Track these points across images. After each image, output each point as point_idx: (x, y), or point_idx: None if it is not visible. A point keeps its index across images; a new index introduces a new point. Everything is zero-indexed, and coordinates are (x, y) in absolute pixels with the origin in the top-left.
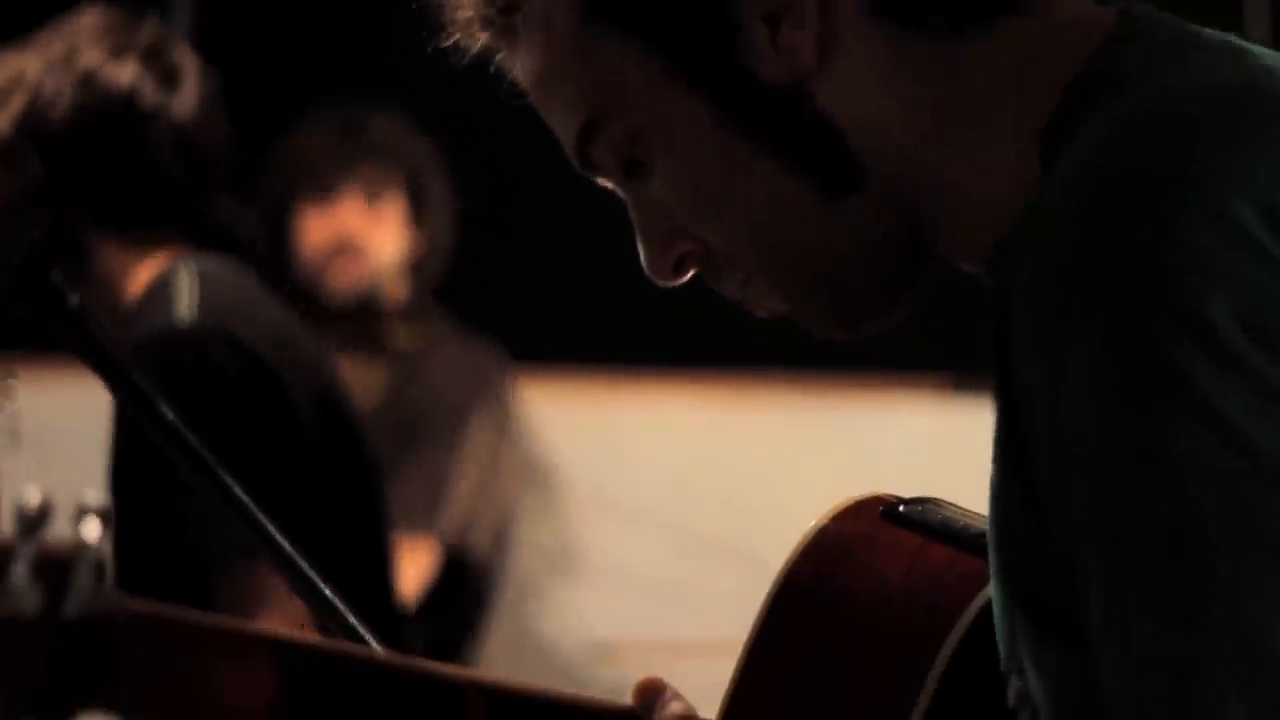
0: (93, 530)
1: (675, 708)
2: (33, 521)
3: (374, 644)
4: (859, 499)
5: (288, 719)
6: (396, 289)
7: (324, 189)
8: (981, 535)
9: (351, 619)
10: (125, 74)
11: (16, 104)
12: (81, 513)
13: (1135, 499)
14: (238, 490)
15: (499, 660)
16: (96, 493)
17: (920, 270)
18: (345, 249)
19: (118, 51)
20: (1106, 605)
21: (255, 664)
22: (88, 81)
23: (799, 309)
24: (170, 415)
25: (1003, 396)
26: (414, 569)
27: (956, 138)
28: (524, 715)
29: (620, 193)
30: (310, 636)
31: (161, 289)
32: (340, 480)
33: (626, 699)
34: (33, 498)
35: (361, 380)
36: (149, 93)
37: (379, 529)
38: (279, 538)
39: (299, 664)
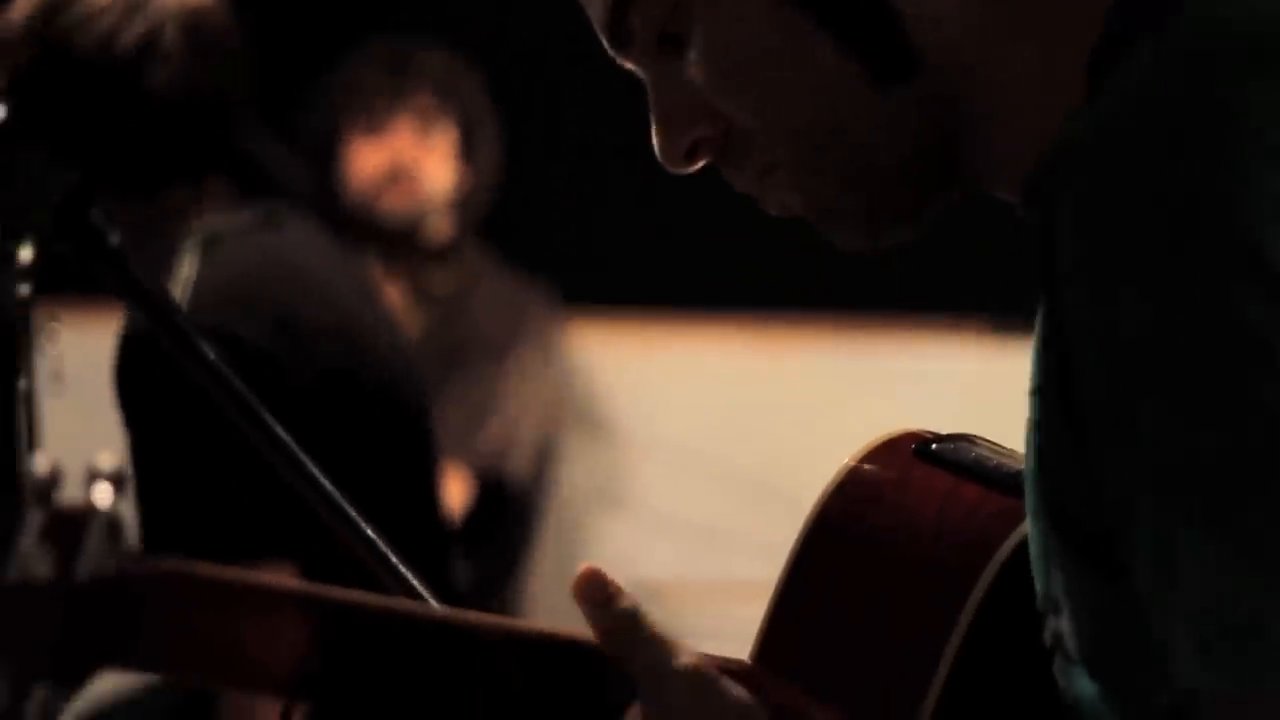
0: (105, 493)
1: (625, 603)
2: (43, 486)
3: (426, 596)
4: (891, 436)
5: (309, 672)
6: (443, 223)
7: (376, 118)
8: (1016, 474)
9: (401, 569)
10: (96, 30)
11: (30, 18)
12: (94, 476)
13: (1193, 435)
14: (282, 434)
15: (542, 600)
16: (110, 455)
17: (948, 187)
18: (399, 176)
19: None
20: (1158, 539)
21: (275, 619)
22: (62, 43)
23: (819, 208)
24: (212, 356)
25: (1047, 324)
26: (448, 496)
27: (1009, 45)
28: (557, 663)
29: (643, 72)
30: (329, 589)
31: (169, 268)
32: (377, 450)
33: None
34: (41, 464)
35: (404, 316)
36: (123, 51)
37: (421, 489)
38: (325, 484)
39: (319, 617)
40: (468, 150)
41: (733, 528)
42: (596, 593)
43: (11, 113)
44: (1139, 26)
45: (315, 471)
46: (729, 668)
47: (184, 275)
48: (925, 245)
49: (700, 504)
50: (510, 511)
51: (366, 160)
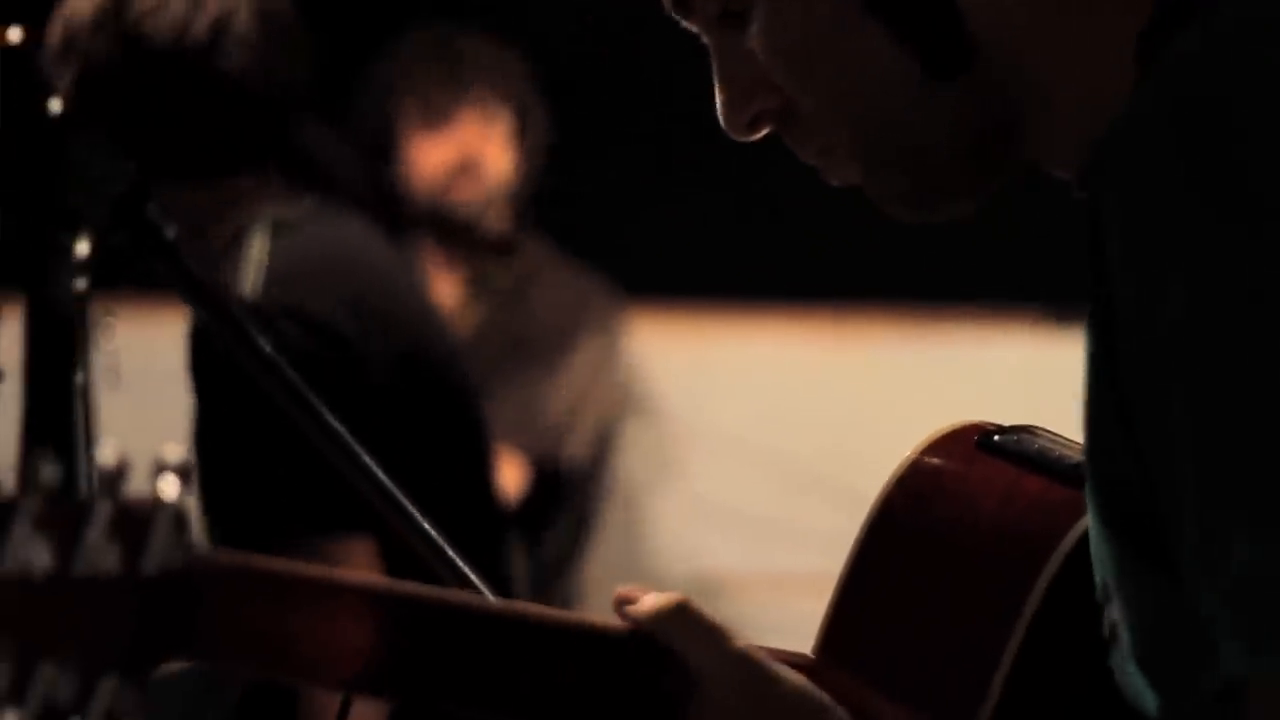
0: (171, 486)
1: (649, 600)
2: (110, 478)
3: (479, 584)
4: (953, 429)
5: (375, 666)
6: (502, 213)
7: (437, 111)
8: (1078, 465)
9: (457, 563)
10: (169, 19)
11: (68, 64)
12: (160, 468)
13: (1237, 424)
14: (337, 426)
15: (600, 589)
16: (176, 447)
17: (1005, 168)
18: (467, 168)
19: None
20: (1204, 528)
21: (334, 613)
22: (133, 33)
23: (876, 185)
24: (268, 349)
25: (1097, 308)
26: (504, 482)
27: (1062, 30)
28: (612, 655)
29: (706, 38)
30: (387, 583)
31: (236, 250)
32: (433, 438)
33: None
34: (109, 455)
35: (464, 308)
36: (195, 38)
37: (479, 478)
38: (381, 476)
39: (377, 611)
40: (521, 137)
41: (788, 519)
42: (631, 600)
43: (76, 103)
44: (1190, 7)
45: (369, 460)
46: (791, 661)
47: (255, 257)
48: (984, 233)
49: (756, 495)
50: (568, 499)
51: (431, 154)
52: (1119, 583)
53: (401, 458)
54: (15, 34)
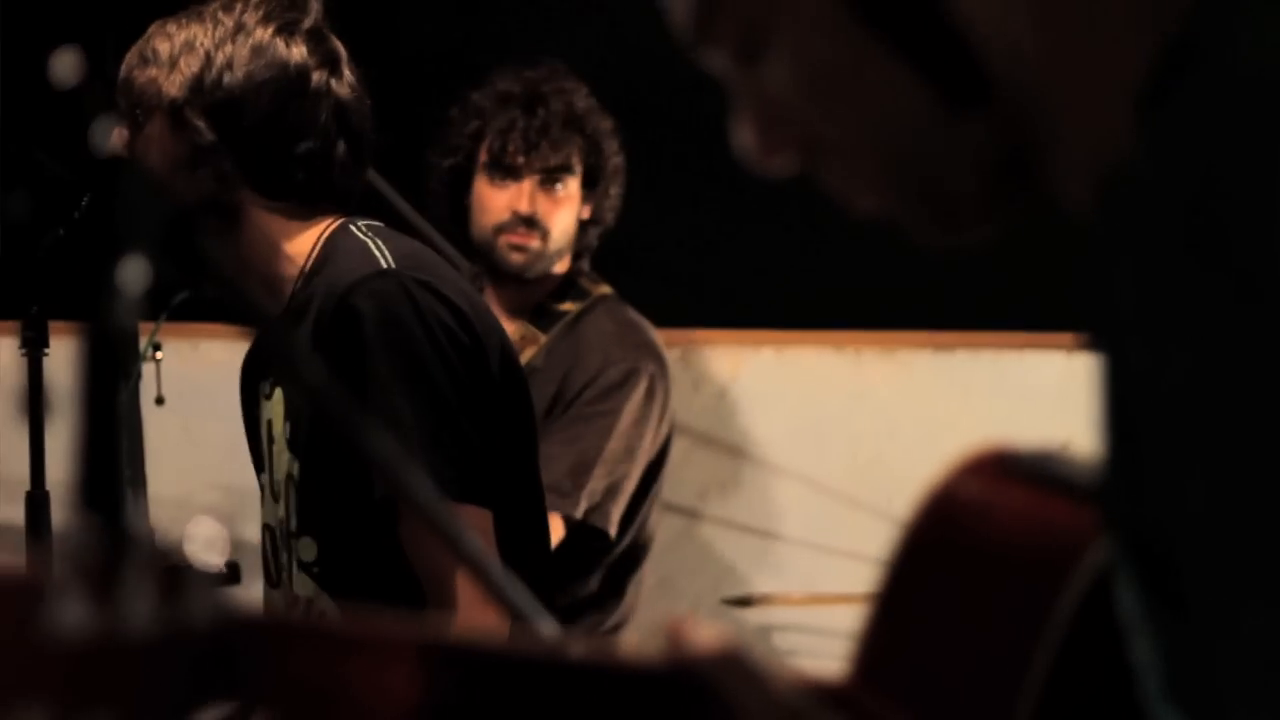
0: (208, 550)
1: (702, 638)
2: (148, 538)
3: (532, 605)
4: (979, 454)
5: (420, 715)
6: (560, 264)
7: (505, 161)
8: None
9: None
10: (296, 51)
11: (188, 68)
12: (197, 537)
13: (1244, 490)
14: (391, 447)
15: (642, 613)
16: (210, 518)
17: (1026, 198)
18: (524, 222)
19: (288, 29)
20: (1218, 593)
21: (380, 664)
22: (260, 52)
23: (900, 214)
24: (317, 374)
25: (1105, 362)
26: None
27: (1075, 67)
28: (658, 695)
29: (727, 73)
30: (430, 631)
31: (343, 242)
32: (515, 428)
33: (761, 648)
34: (147, 518)
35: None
36: (317, 73)
37: (538, 484)
38: (427, 493)
39: (420, 662)
40: (590, 187)
41: (824, 540)
42: (682, 633)
43: (203, 120)
44: (1184, 62)
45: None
46: (827, 688)
47: (374, 243)
48: (1013, 256)
49: (791, 517)
50: (603, 555)
51: (493, 200)
52: (1140, 617)
53: (501, 443)
54: (72, 70)
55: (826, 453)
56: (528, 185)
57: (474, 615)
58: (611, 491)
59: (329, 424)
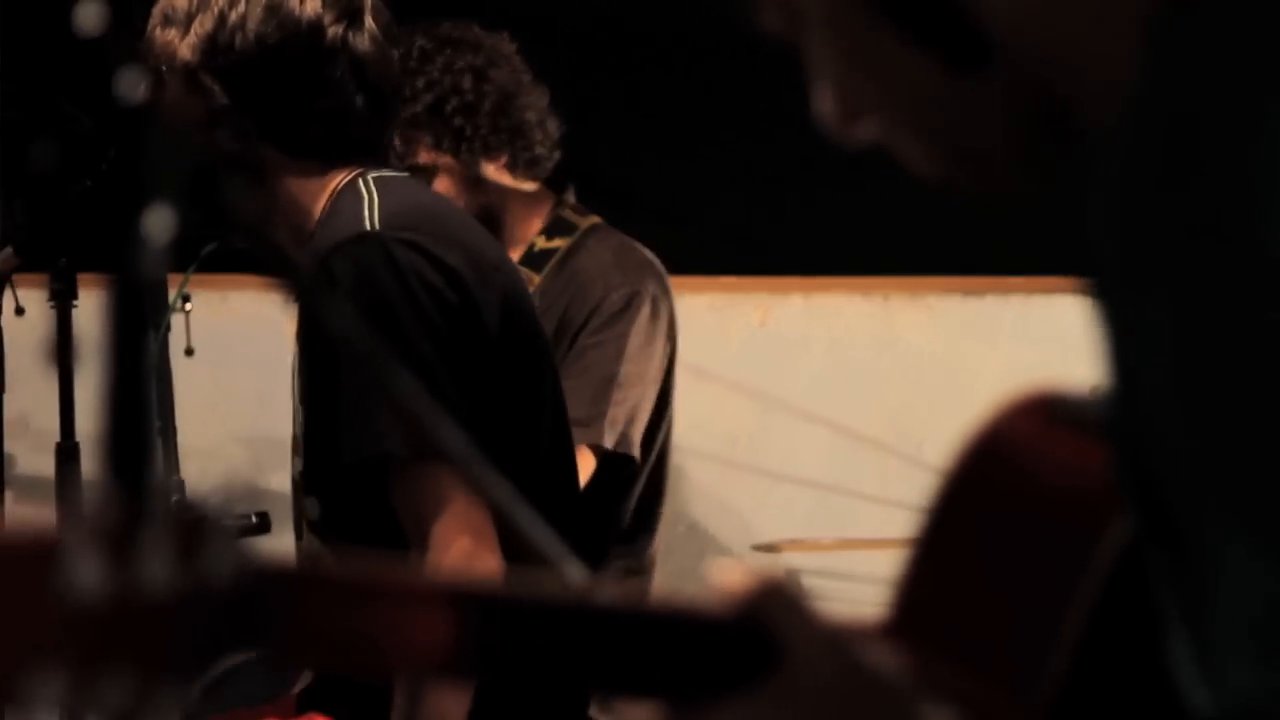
0: (224, 500)
1: (742, 578)
2: (168, 494)
3: (559, 549)
4: (1025, 396)
5: (446, 658)
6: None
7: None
8: None
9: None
10: (309, 7)
11: (201, 28)
12: (215, 493)
13: (1241, 439)
14: (414, 389)
15: (664, 563)
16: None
17: (1071, 143)
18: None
19: None
20: (1217, 547)
21: (403, 611)
22: (272, 10)
23: (948, 176)
24: (343, 319)
25: (1108, 319)
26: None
27: (1078, 21)
28: (691, 637)
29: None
30: (453, 577)
31: (343, 200)
32: (523, 383)
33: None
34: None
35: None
36: (331, 26)
37: (562, 429)
38: (459, 439)
39: (447, 608)
40: (457, 147)
41: (852, 486)
42: (725, 577)
43: (217, 76)
44: None
45: (449, 427)
46: (865, 629)
47: (368, 199)
48: (1042, 200)
49: (818, 463)
50: (634, 481)
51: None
52: (1149, 558)
53: (504, 400)
54: (97, 18)
55: (855, 398)
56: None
57: (463, 541)
58: (630, 416)
59: (320, 381)
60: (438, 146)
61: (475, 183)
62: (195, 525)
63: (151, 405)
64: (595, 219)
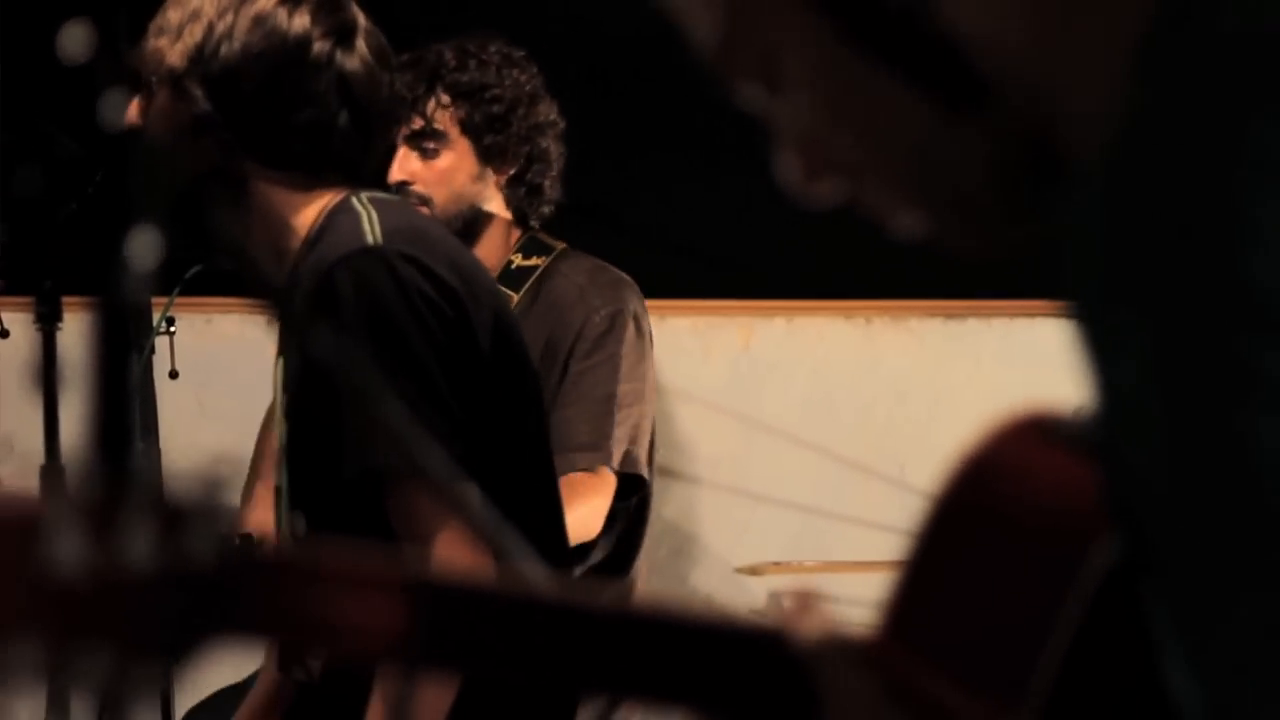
0: (207, 488)
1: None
2: (153, 479)
3: (540, 571)
4: (1018, 417)
5: (404, 643)
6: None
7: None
8: None
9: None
10: (298, 22)
11: (190, 37)
12: (201, 477)
13: (1198, 486)
14: (402, 410)
15: (649, 585)
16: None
17: (1056, 185)
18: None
19: (293, 0)
20: (1176, 590)
21: (366, 599)
22: (260, 22)
23: (934, 227)
24: (346, 332)
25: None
26: (598, 502)
27: (1071, 43)
28: (663, 645)
29: (763, 104)
30: (420, 569)
31: (340, 216)
32: (511, 403)
33: (771, 619)
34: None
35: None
36: (319, 43)
37: (544, 454)
38: (443, 458)
39: (410, 595)
40: (485, 145)
41: (835, 510)
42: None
43: (203, 89)
44: (1176, 20)
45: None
46: (855, 646)
47: (367, 217)
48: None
49: (802, 485)
50: (639, 504)
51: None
52: (1145, 596)
53: (492, 418)
54: (82, 43)
55: (837, 421)
56: (402, 150)
57: (459, 555)
58: (633, 436)
59: (312, 396)
60: (464, 125)
61: (474, 177)
62: (179, 504)
63: (135, 427)
64: (562, 244)
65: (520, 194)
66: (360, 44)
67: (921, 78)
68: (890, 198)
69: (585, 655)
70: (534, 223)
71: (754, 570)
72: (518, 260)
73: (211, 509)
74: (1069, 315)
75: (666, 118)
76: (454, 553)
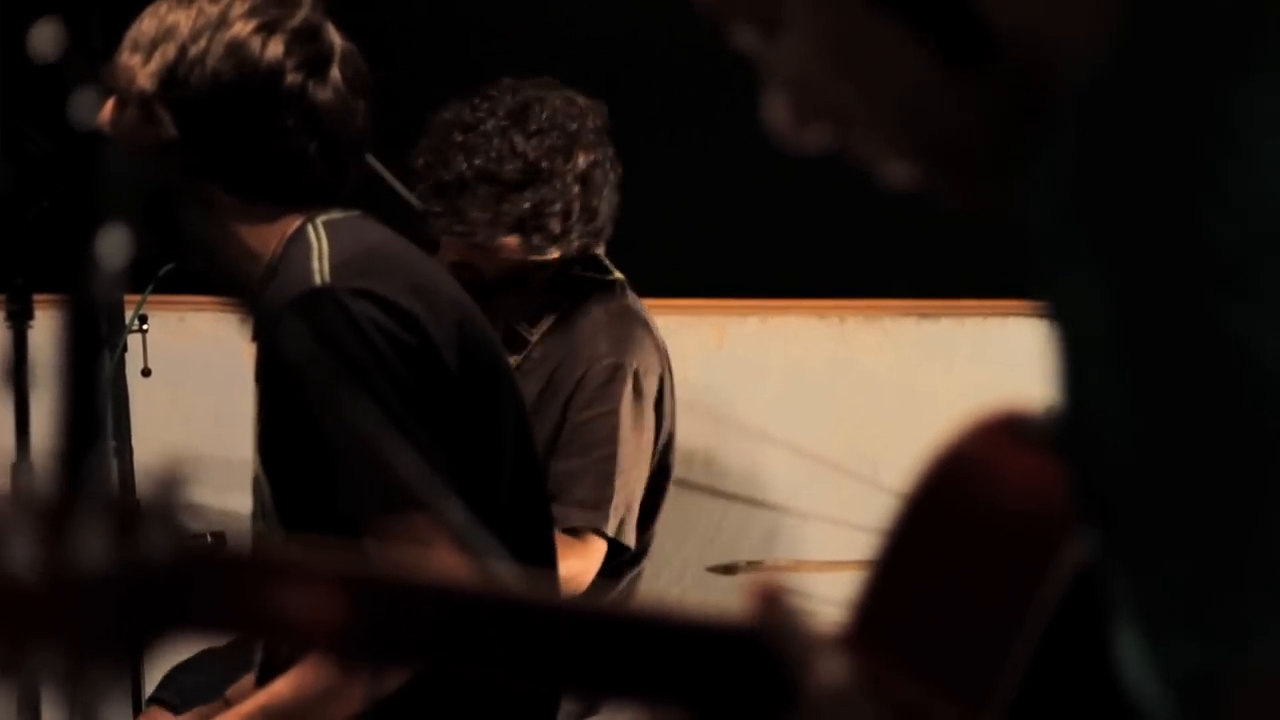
0: (162, 483)
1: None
2: (106, 479)
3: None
4: (989, 416)
5: (348, 636)
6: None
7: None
8: None
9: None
10: (271, 51)
11: (162, 58)
12: (157, 473)
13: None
14: (375, 428)
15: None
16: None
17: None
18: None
19: (269, 27)
20: (1138, 524)
21: (314, 593)
22: (234, 50)
23: (928, 180)
24: (304, 378)
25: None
26: (584, 567)
27: (1079, 19)
28: (635, 641)
29: (752, 49)
30: (386, 569)
31: (293, 249)
32: (484, 416)
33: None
34: (106, 460)
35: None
36: (291, 75)
37: (531, 462)
38: (423, 480)
39: (353, 589)
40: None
41: (809, 509)
42: (770, 597)
43: (173, 116)
44: None
45: (412, 468)
46: (826, 642)
47: (317, 249)
48: (998, 222)
49: (776, 485)
50: (631, 570)
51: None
52: (1108, 587)
53: (467, 437)
54: (53, 42)
55: (811, 420)
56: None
57: None
58: (628, 503)
59: (276, 436)
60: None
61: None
62: (133, 505)
63: (105, 424)
64: (620, 276)
65: (531, 237)
66: (334, 73)
67: (923, 25)
68: (881, 147)
69: (552, 652)
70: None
71: (727, 569)
72: (576, 269)
73: (168, 507)
74: (1033, 278)
75: (642, 115)
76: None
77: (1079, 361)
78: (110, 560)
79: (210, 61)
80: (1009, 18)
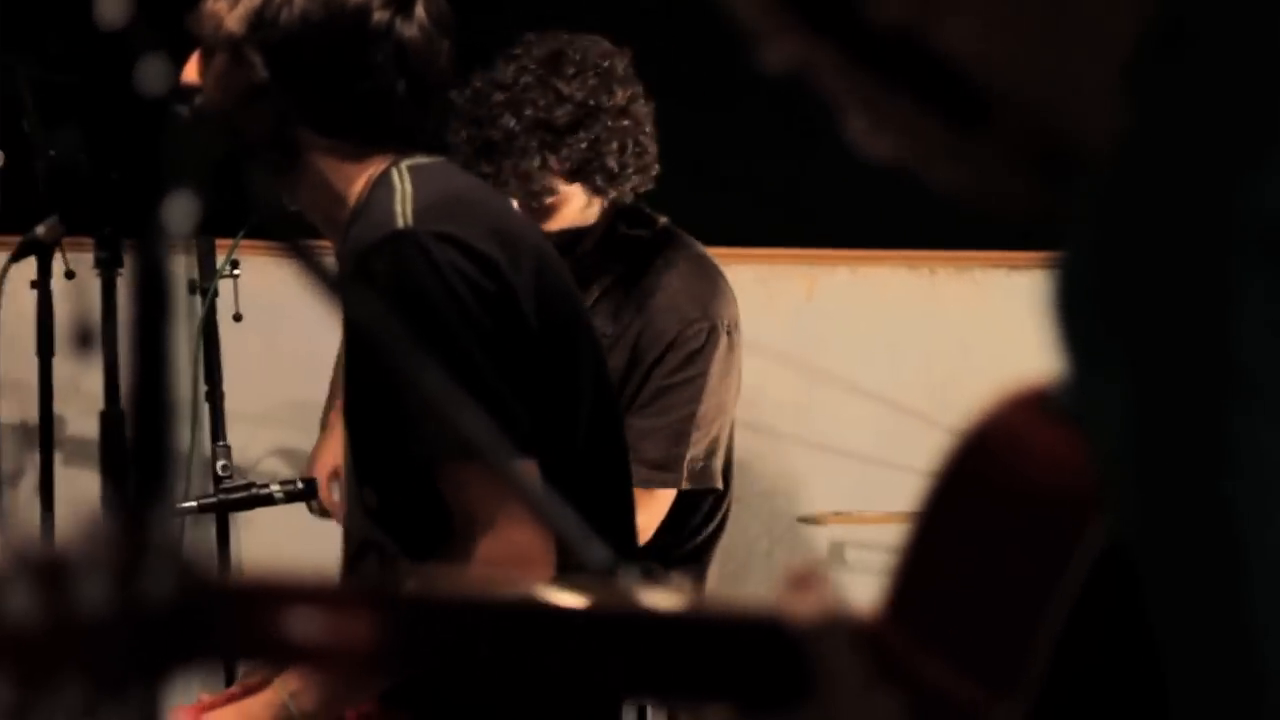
0: (163, 523)
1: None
2: (103, 521)
3: (603, 550)
4: (1018, 389)
5: (370, 660)
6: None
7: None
8: None
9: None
10: None
11: (250, 2)
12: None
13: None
14: (447, 394)
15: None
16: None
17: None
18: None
19: None
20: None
21: (334, 615)
22: None
23: (974, 199)
24: (385, 321)
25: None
26: (645, 520)
27: (1065, 60)
28: (658, 642)
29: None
30: (383, 588)
31: (378, 192)
32: (562, 365)
33: (827, 570)
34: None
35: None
36: (378, 12)
37: (608, 405)
38: (494, 439)
39: (375, 611)
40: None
41: (897, 460)
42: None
43: (262, 59)
44: (1171, 38)
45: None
46: (857, 627)
47: (401, 191)
48: None
49: (865, 436)
50: (723, 510)
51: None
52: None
53: (545, 383)
54: (119, 11)
55: (901, 371)
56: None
57: (518, 536)
58: (711, 450)
59: (360, 380)
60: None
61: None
62: (136, 544)
63: (174, 375)
64: (665, 220)
65: (593, 179)
66: (419, 11)
67: (923, 97)
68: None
69: (570, 660)
70: (620, 197)
71: (816, 520)
72: (622, 228)
73: (170, 544)
74: (1060, 321)
75: (731, 67)
76: (515, 535)
77: (1096, 415)
78: (115, 601)
79: (298, 3)
80: (998, 85)
